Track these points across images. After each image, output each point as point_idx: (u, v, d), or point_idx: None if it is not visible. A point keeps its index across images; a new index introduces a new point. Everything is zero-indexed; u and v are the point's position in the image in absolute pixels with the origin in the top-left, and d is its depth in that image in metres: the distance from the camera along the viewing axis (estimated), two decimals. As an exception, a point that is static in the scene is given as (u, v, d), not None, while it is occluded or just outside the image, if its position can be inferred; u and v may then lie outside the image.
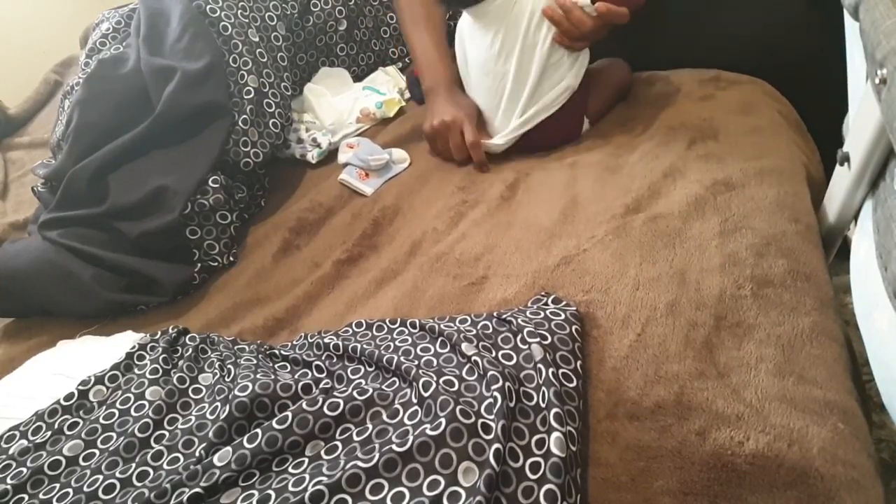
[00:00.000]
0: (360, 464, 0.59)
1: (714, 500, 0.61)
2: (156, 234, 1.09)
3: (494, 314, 0.79)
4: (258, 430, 0.65)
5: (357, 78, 1.44)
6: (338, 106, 1.33)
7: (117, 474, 0.66)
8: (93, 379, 0.78)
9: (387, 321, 0.84)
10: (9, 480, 0.67)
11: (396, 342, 0.79)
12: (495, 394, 0.64)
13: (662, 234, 0.85)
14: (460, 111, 1.14)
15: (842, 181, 0.83)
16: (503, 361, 0.70)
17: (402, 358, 0.73)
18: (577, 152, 1.10)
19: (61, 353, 0.92)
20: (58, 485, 0.67)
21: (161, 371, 0.79)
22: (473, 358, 0.70)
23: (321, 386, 0.74)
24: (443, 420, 0.61)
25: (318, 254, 1.10)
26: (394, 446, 0.60)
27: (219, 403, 0.72)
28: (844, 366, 0.72)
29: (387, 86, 1.40)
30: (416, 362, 0.72)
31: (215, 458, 0.64)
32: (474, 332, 0.76)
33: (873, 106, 0.69)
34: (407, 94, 1.38)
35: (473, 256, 0.94)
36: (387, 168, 1.20)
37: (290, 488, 0.60)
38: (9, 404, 0.79)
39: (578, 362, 0.71)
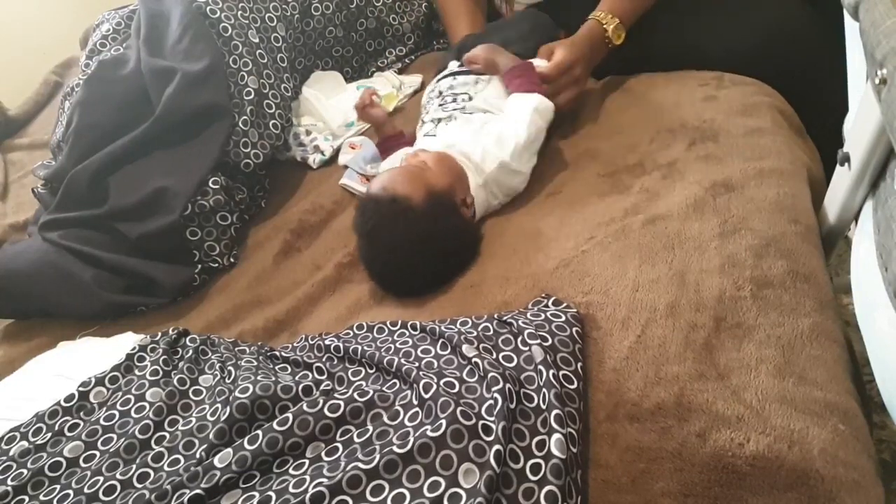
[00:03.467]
0: (360, 465, 0.59)
1: (714, 501, 0.61)
2: (156, 235, 1.09)
3: (495, 316, 0.79)
4: (259, 432, 0.65)
5: (349, 78, 1.44)
6: (340, 106, 1.33)
7: (118, 476, 0.66)
8: (93, 380, 0.78)
9: (387, 323, 0.84)
10: (9, 482, 0.67)
11: (397, 344, 0.79)
12: (496, 395, 0.64)
13: (662, 236, 0.85)
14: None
15: (842, 181, 0.82)
16: (504, 363, 0.70)
17: (402, 360, 0.73)
18: (577, 153, 1.10)
19: (62, 354, 0.93)
20: (58, 486, 0.67)
21: (161, 372, 0.79)
22: (474, 360, 0.70)
23: (322, 388, 0.74)
24: (443, 421, 0.61)
25: (320, 256, 1.10)
26: (394, 448, 0.60)
27: (219, 405, 0.72)
28: (845, 367, 0.72)
29: (381, 82, 1.40)
30: (417, 364, 0.72)
31: (216, 460, 0.64)
32: (475, 333, 0.75)
33: (873, 106, 0.69)
34: (403, 91, 1.38)
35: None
36: (387, 172, 1.20)
37: (291, 490, 0.60)
38: (9, 405, 0.79)
39: (579, 364, 0.71)
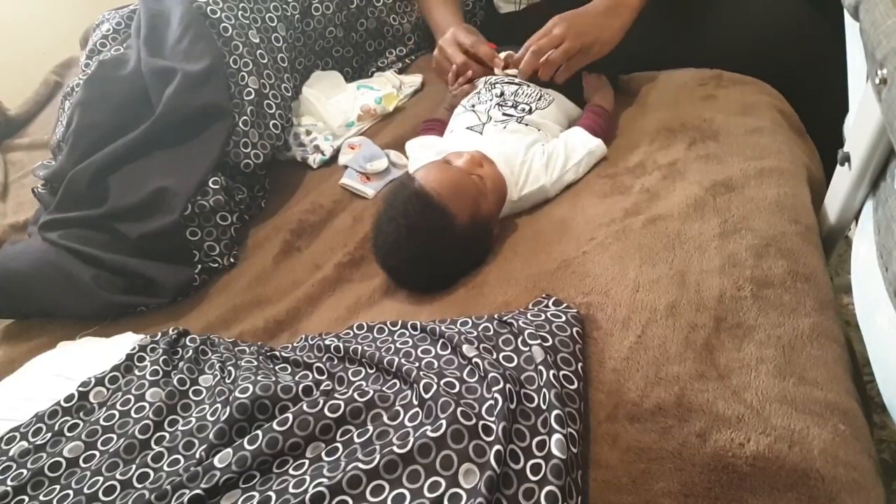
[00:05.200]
0: (360, 465, 0.59)
1: (715, 501, 0.61)
2: (156, 235, 1.09)
3: (495, 316, 0.79)
4: (259, 432, 0.65)
5: (350, 78, 1.44)
6: (340, 106, 1.33)
7: (118, 476, 0.66)
8: (93, 380, 0.78)
9: (388, 323, 0.84)
10: (9, 482, 0.67)
11: (397, 344, 0.79)
12: (496, 395, 0.64)
13: (662, 236, 0.85)
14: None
15: (842, 181, 0.83)
16: (504, 363, 0.70)
17: (402, 360, 0.73)
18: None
19: (62, 354, 0.92)
20: (58, 486, 0.67)
21: (161, 372, 0.79)
22: (474, 360, 0.70)
23: (322, 388, 0.74)
24: (444, 422, 0.61)
25: (319, 256, 1.09)
26: (395, 448, 0.60)
27: (219, 405, 0.72)
28: (845, 367, 0.72)
29: (381, 82, 1.40)
30: (417, 364, 0.72)
31: (216, 460, 0.64)
32: (475, 333, 0.75)
33: (873, 106, 0.69)
34: (403, 91, 1.38)
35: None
36: (387, 171, 1.20)
37: (291, 490, 0.60)
38: (9, 406, 0.79)
39: (579, 364, 0.71)
